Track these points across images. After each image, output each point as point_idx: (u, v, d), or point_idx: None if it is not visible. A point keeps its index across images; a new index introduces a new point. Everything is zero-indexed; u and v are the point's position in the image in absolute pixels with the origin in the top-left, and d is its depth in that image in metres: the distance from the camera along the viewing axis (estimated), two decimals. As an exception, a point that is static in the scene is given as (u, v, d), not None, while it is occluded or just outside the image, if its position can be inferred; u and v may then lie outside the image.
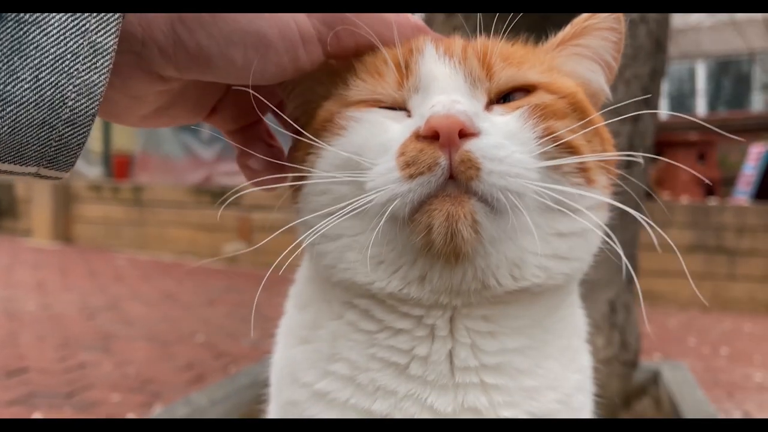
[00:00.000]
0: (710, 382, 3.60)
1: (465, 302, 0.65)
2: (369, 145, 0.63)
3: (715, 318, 5.64)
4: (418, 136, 0.59)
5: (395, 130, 0.63)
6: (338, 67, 0.71)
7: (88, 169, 10.23)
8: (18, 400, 2.86)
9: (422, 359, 0.67)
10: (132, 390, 3.04)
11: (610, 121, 0.75)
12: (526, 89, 0.68)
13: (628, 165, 2.13)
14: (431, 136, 0.58)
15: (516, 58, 0.69)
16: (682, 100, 17.28)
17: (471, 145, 0.58)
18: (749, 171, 8.69)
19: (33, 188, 8.72)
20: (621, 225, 2.38)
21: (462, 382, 0.66)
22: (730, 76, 17.43)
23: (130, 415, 2.72)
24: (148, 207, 8.04)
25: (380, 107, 0.67)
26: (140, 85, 0.59)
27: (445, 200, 0.58)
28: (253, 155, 0.72)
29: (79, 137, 0.50)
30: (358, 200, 0.60)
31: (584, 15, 0.74)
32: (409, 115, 0.65)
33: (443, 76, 0.65)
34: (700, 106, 17.17)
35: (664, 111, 16.34)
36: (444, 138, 0.57)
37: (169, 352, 3.78)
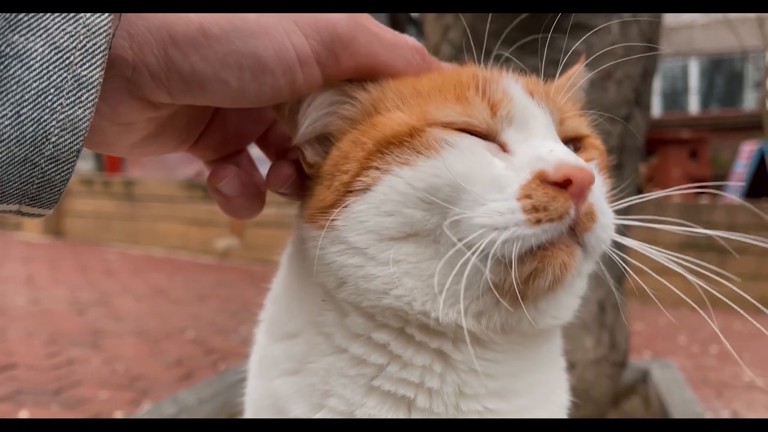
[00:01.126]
0: (699, 380, 3.62)
1: (506, 338, 0.64)
2: (477, 177, 0.59)
3: (706, 316, 5.67)
4: (544, 181, 0.58)
5: (500, 165, 0.60)
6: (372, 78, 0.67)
7: (79, 163, 10.18)
8: (4, 397, 2.84)
9: (430, 390, 0.64)
10: (120, 387, 3.03)
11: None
12: (578, 139, 0.70)
13: (619, 166, 2.14)
14: (562, 184, 0.57)
15: (571, 104, 0.71)
16: (675, 97, 17.35)
17: (593, 198, 0.59)
18: (741, 169, 8.73)
19: (23, 182, 8.66)
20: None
21: (467, 410, 0.65)
22: (723, 74, 17.52)
23: (118, 413, 2.71)
24: (139, 201, 8.00)
25: (472, 133, 0.62)
26: (130, 112, 0.57)
27: (561, 249, 0.58)
28: (227, 173, 0.68)
29: (62, 174, 0.49)
30: (474, 238, 0.57)
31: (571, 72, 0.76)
32: (503, 149, 0.62)
33: (540, 116, 0.65)
34: (693, 104, 17.25)
35: (656, 109, 16.42)
36: (577, 189, 0.57)
37: (158, 348, 3.77)
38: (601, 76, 2.02)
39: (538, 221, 0.56)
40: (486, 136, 0.63)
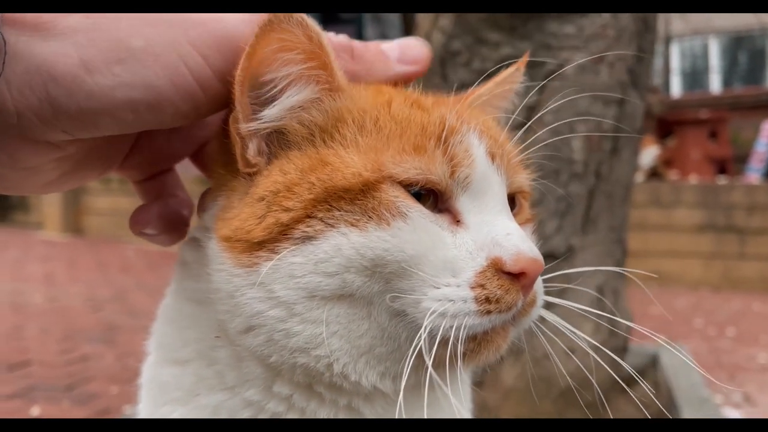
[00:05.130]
0: (713, 363, 3.58)
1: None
2: (428, 260, 0.57)
3: (724, 298, 5.60)
4: (499, 270, 0.57)
5: (451, 244, 0.58)
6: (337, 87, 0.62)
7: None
8: (18, 394, 2.89)
9: None
10: (131, 382, 3.05)
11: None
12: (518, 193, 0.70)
13: (615, 150, 2.11)
14: (518, 275, 0.57)
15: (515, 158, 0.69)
16: (696, 77, 17.05)
17: (536, 286, 0.60)
18: (762, 148, 8.57)
19: (43, 181, 8.79)
20: (608, 209, 2.34)
21: None
22: (746, 51, 17.15)
23: (127, 408, 2.75)
24: (156, 197, 8.08)
25: (428, 190, 0.59)
26: (31, 156, 0.54)
27: (499, 333, 0.60)
28: (149, 218, 0.66)
29: None
30: (419, 318, 0.56)
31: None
32: (455, 219, 0.60)
33: (497, 184, 0.62)
34: (715, 83, 16.93)
35: (676, 89, 16.15)
36: (529, 281, 0.58)
37: (171, 342, 3.80)
38: (593, 60, 1.99)
39: (488, 312, 0.56)
40: (441, 195, 0.60)
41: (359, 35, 11.41)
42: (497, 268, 0.57)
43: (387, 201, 0.57)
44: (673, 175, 8.08)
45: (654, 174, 7.89)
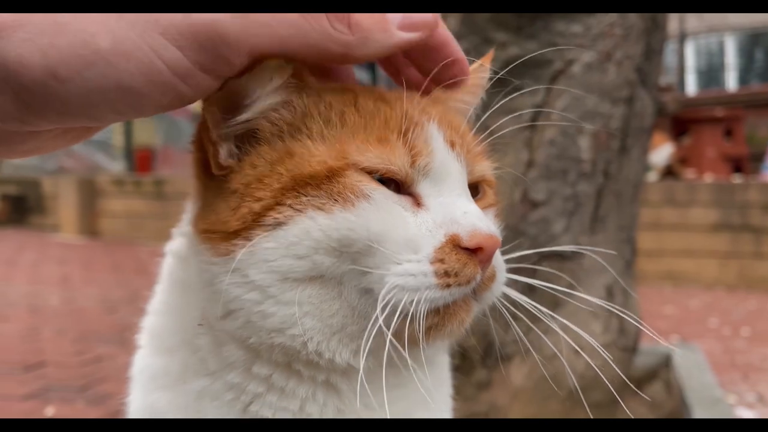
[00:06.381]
0: (727, 363, 3.55)
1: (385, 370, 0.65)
2: (391, 237, 0.60)
3: (740, 298, 5.54)
4: (457, 245, 0.60)
5: (413, 223, 0.62)
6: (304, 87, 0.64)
7: (111, 164, 10.40)
8: (33, 395, 2.92)
9: (309, 416, 0.65)
10: (144, 382, 3.09)
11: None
12: (480, 182, 0.72)
13: (623, 149, 2.10)
14: (474, 250, 0.60)
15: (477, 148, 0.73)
16: (712, 74, 16.91)
17: (495, 261, 0.63)
18: (778, 146, 8.48)
19: (59, 184, 8.90)
20: (617, 208, 2.33)
21: None
22: (762, 49, 16.99)
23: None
24: (170, 200, 8.13)
25: (390, 178, 0.62)
26: (15, 140, 0.55)
27: (461, 306, 0.62)
28: None
29: None
30: (384, 293, 0.59)
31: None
32: (416, 202, 0.63)
33: (456, 171, 0.66)
34: (731, 81, 16.79)
35: (691, 87, 16.01)
36: (486, 256, 0.61)
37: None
38: (600, 58, 1.99)
39: (448, 285, 0.59)
40: (402, 183, 0.63)
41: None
42: (455, 244, 0.60)
43: (351, 185, 0.60)
44: (688, 173, 8.02)
45: (669, 172, 7.83)
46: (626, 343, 2.18)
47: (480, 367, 2.01)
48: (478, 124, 0.76)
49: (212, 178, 0.64)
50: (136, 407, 0.72)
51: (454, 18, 2.07)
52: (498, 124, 0.77)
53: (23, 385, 3.04)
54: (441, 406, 0.76)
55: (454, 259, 0.59)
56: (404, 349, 0.60)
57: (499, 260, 0.65)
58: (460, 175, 0.66)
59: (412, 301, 0.58)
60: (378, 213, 0.60)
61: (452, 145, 0.66)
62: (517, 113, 0.95)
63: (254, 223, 0.60)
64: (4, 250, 7.42)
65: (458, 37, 2.21)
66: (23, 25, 0.48)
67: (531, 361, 1.96)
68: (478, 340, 2.05)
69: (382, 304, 0.58)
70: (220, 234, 0.62)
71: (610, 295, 2.12)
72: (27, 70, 0.47)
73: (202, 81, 0.53)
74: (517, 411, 2.01)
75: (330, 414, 0.65)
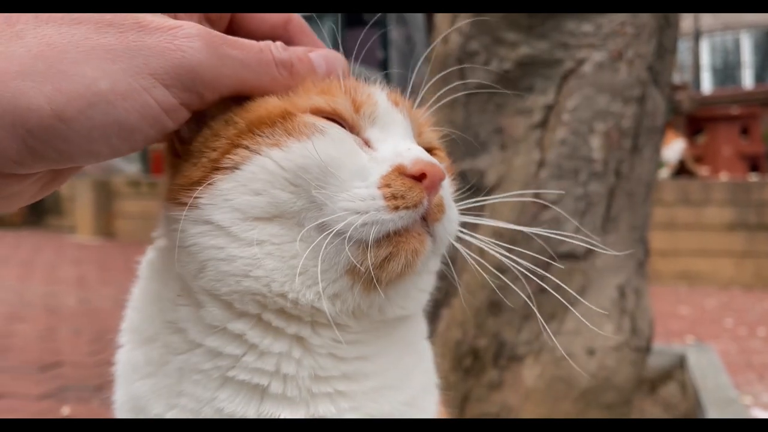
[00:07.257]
0: (742, 364, 3.52)
1: (358, 323, 0.68)
2: (343, 165, 0.64)
3: (757, 297, 5.49)
4: (402, 173, 0.63)
5: (364, 157, 0.66)
6: None
7: (127, 166, 10.47)
8: (49, 394, 2.96)
9: (285, 376, 0.66)
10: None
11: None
12: (431, 150, 0.76)
13: (635, 149, 2.09)
14: (418, 177, 0.63)
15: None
16: (728, 72, 16.77)
17: (443, 193, 0.66)
18: (795, 144, 8.39)
19: (75, 186, 8.98)
20: (629, 208, 2.32)
21: (318, 392, 0.66)
22: (778, 46, 16.81)
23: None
24: (184, 201, 8.19)
25: (339, 124, 0.67)
26: (12, 186, 0.58)
27: (414, 236, 0.64)
28: None
29: None
30: (336, 219, 0.62)
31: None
32: (367, 144, 0.68)
33: (400, 121, 0.71)
34: (747, 79, 16.63)
35: (706, 85, 15.88)
36: (430, 182, 0.63)
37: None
38: (611, 57, 1.98)
39: (396, 208, 0.62)
40: (351, 128, 0.67)
41: (384, 37, 11.41)
42: (400, 172, 0.63)
43: (306, 122, 0.65)
44: (703, 172, 7.96)
45: (681, 169, 7.75)
46: (639, 343, 2.17)
47: (491, 368, 2.00)
48: (419, 98, 0.80)
49: (179, 157, 0.69)
50: (121, 401, 0.73)
51: (465, 19, 2.07)
52: (448, 98, 0.80)
53: (39, 384, 3.07)
54: (418, 375, 0.76)
55: (399, 183, 0.62)
56: (365, 289, 0.64)
57: (448, 198, 0.68)
58: (405, 126, 0.71)
59: (364, 224, 0.61)
60: (332, 141, 0.64)
61: (395, 103, 0.72)
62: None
63: (213, 169, 0.64)
64: (22, 251, 7.51)
65: (469, 37, 2.20)
66: (29, 75, 0.52)
67: (543, 362, 1.95)
68: (489, 340, 2.05)
69: (335, 228, 0.61)
70: (184, 187, 0.65)
71: (622, 295, 2.11)
72: (34, 115, 0.52)
73: (181, 115, 0.60)
74: (528, 411, 2.00)
75: (305, 375, 0.66)
